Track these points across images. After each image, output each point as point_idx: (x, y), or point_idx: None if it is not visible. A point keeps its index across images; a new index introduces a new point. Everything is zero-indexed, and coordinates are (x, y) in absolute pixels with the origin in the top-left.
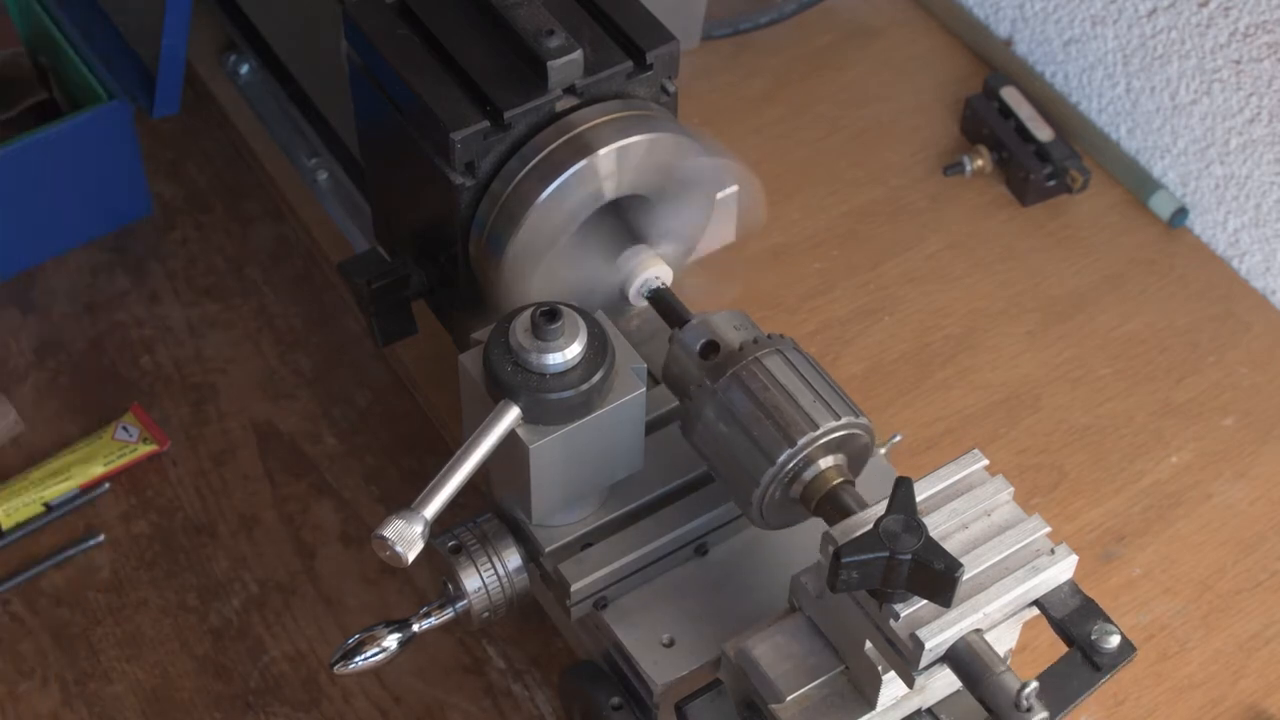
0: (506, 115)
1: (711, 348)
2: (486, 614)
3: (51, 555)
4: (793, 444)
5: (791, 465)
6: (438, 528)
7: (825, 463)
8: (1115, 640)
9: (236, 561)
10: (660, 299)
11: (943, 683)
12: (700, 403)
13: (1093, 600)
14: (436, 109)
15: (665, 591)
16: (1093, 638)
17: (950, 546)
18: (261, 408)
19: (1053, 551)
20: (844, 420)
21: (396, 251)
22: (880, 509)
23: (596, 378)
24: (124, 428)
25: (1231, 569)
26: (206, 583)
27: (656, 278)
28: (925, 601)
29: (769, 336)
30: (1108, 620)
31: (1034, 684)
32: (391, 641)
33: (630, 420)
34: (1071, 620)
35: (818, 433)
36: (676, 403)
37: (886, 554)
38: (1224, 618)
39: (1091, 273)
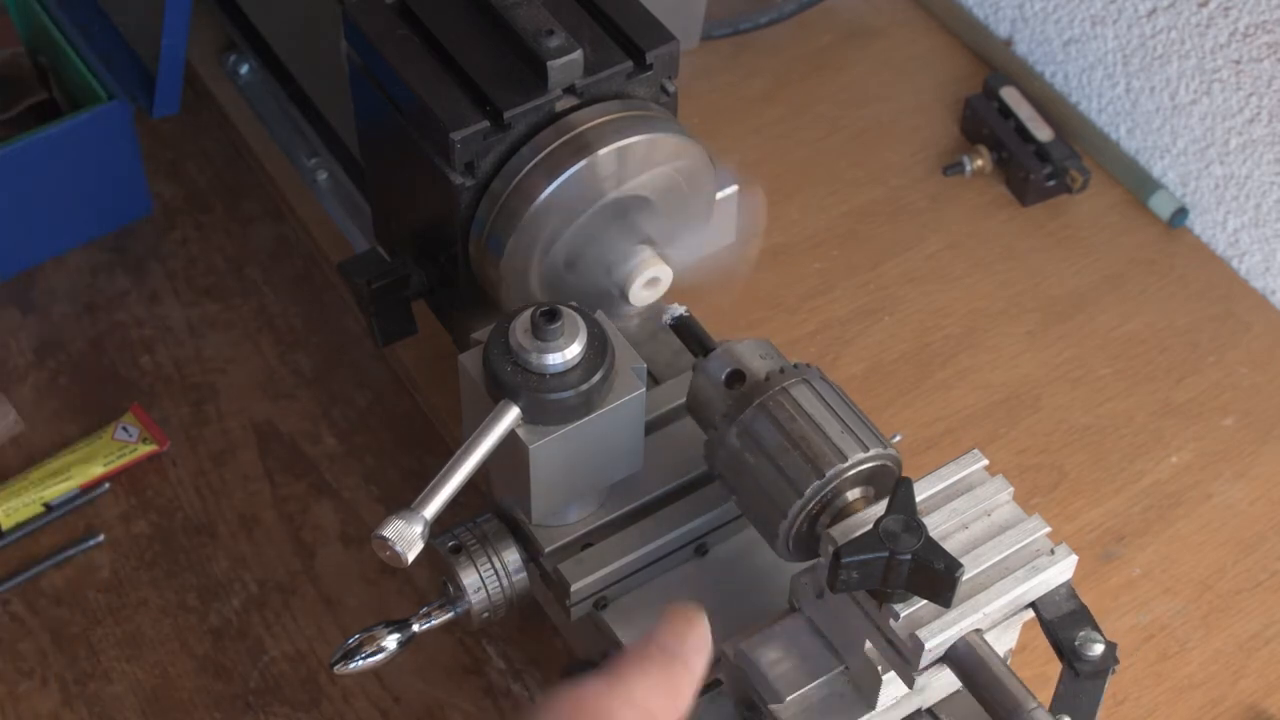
0: (506, 115)
1: (737, 377)
2: (486, 614)
3: (51, 555)
4: (821, 475)
5: (820, 498)
6: (438, 528)
7: (853, 495)
8: (1098, 649)
9: (236, 561)
10: (683, 327)
11: (943, 683)
12: (726, 433)
13: (1086, 607)
14: (436, 109)
15: (665, 591)
16: (1076, 644)
17: (950, 546)
18: (261, 408)
19: (1053, 552)
20: (873, 451)
21: (396, 251)
22: (880, 509)
23: (596, 378)
24: (124, 428)
25: (1231, 569)
26: (206, 583)
27: (656, 277)
28: (925, 601)
29: (795, 366)
30: (1095, 629)
31: None
32: (391, 642)
33: (630, 420)
34: (1060, 624)
35: (846, 464)
36: (676, 403)
37: (886, 554)
38: (1224, 618)
39: (1091, 273)
